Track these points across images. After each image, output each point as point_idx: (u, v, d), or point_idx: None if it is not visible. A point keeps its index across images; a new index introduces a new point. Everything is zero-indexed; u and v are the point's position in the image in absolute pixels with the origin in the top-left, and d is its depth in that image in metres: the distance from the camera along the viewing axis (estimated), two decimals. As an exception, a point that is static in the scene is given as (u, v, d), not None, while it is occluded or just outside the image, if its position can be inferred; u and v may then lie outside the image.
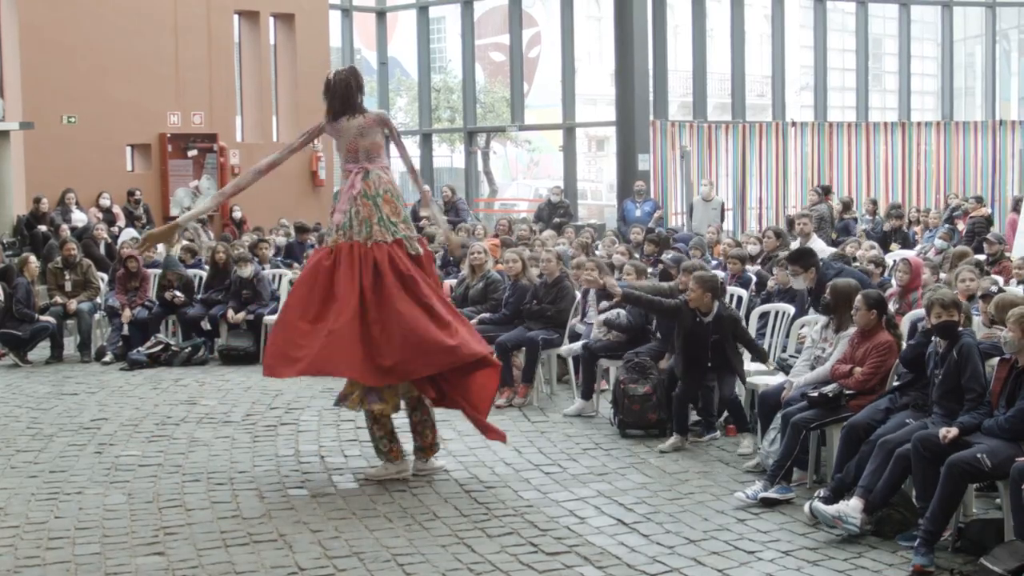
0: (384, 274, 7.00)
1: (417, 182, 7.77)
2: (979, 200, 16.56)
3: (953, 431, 5.75)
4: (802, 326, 8.32)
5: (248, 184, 7.70)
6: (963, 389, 6.01)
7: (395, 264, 7.04)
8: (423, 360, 6.95)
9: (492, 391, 7.40)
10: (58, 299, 12.48)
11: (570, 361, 9.79)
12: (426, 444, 7.34)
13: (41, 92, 17.03)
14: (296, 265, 13.63)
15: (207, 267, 13.04)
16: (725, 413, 8.24)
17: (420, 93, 24.80)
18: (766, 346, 8.72)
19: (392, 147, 8.02)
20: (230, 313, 12.06)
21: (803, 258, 8.65)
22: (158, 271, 12.79)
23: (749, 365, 8.57)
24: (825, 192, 17.64)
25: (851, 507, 6.02)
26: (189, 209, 18.06)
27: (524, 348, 9.58)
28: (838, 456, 6.52)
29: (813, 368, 7.31)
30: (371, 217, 7.07)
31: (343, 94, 7.20)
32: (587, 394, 9.11)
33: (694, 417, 8.29)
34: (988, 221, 15.69)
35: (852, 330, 7.10)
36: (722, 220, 16.87)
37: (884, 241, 15.30)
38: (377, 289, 6.98)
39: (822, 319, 7.62)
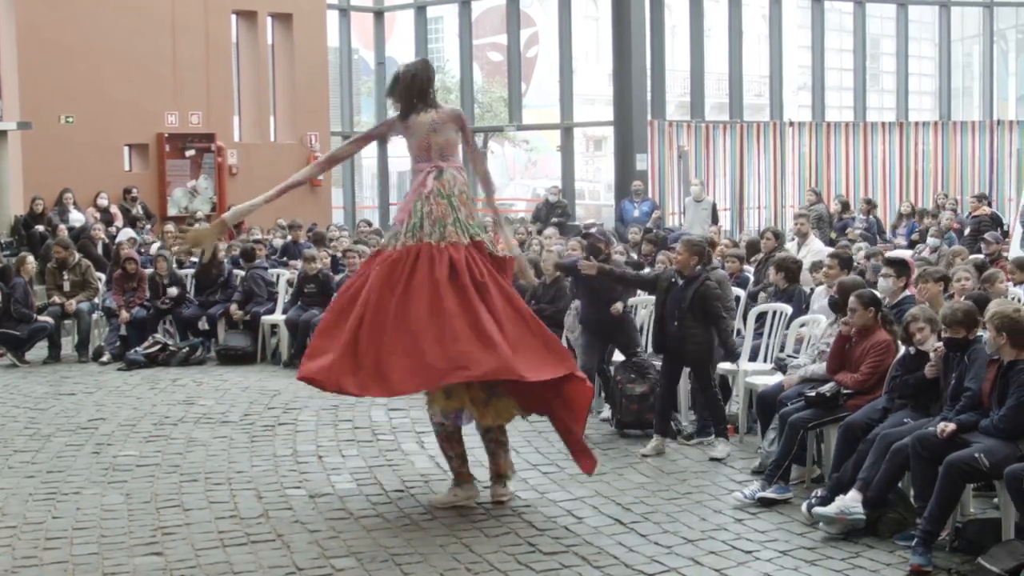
0: (460, 274, 6.41)
1: (490, 197, 7.33)
2: (979, 200, 16.48)
3: (951, 426, 5.76)
4: (801, 325, 8.32)
5: (305, 178, 7.58)
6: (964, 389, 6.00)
7: (471, 268, 6.46)
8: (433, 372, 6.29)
9: (579, 409, 6.64)
10: (56, 299, 12.48)
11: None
12: (501, 470, 6.80)
13: (39, 92, 17.02)
14: (294, 265, 13.57)
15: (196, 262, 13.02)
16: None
17: (418, 93, 24.71)
18: (764, 346, 8.71)
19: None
20: (233, 308, 12.12)
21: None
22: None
23: (747, 365, 8.57)
24: None
25: (850, 499, 6.04)
26: (187, 209, 18.09)
27: None
28: (836, 455, 6.53)
29: (815, 363, 7.32)
30: (445, 218, 6.50)
31: (419, 87, 6.66)
32: None
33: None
34: (994, 220, 15.63)
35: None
36: (714, 221, 16.82)
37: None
38: (455, 289, 6.39)
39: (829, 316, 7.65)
